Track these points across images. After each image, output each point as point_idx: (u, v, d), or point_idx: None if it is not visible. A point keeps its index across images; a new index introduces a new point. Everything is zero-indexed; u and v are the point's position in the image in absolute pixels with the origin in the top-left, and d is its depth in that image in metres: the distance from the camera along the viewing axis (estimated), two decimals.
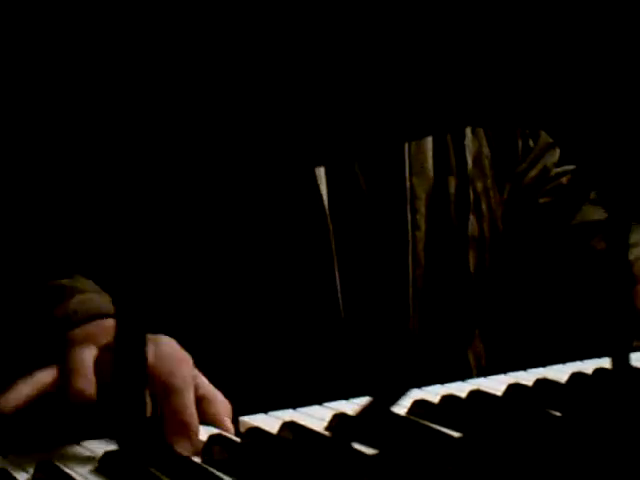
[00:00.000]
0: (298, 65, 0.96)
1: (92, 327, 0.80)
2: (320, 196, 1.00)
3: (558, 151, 1.29)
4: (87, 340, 0.77)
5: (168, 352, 0.75)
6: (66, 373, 0.73)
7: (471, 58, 0.58)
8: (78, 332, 0.79)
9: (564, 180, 1.25)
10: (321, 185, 1.00)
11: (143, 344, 0.57)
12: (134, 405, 0.59)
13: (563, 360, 0.99)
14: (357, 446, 0.70)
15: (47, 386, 0.74)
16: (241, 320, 0.98)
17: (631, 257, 1.16)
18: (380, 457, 0.70)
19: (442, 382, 0.91)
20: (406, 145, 1.07)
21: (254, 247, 0.98)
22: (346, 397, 0.85)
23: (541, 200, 1.24)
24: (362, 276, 1.04)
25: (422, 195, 1.08)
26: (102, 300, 0.85)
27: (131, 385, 0.58)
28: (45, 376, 0.74)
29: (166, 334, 0.79)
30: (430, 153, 1.10)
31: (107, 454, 0.68)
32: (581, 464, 0.66)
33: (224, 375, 0.88)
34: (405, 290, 1.05)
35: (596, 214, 1.23)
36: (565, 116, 0.61)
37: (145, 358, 0.59)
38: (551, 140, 1.29)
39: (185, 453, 0.71)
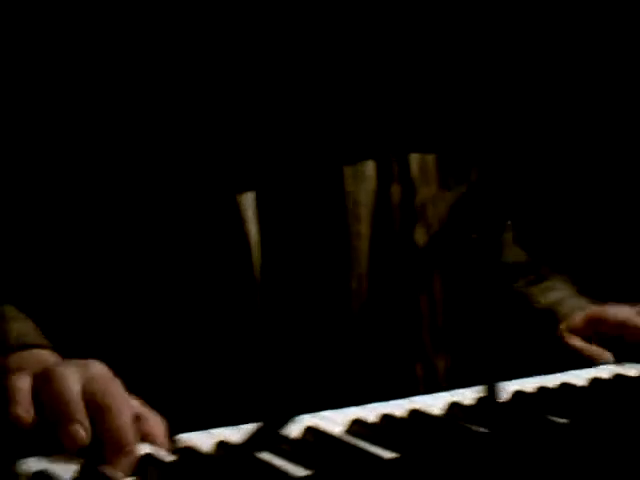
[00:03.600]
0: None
1: (26, 355, 0.82)
2: (239, 212, 0.96)
3: None
4: (21, 368, 0.78)
5: (98, 374, 0.75)
6: (6, 400, 0.74)
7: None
8: (12, 359, 0.81)
9: None
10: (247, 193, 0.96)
11: None
12: None
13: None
14: (289, 466, 0.71)
15: None
16: (159, 329, 0.97)
17: (550, 299, 1.20)
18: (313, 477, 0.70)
19: (388, 398, 0.90)
20: None
21: (175, 258, 0.96)
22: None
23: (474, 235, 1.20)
24: (294, 290, 1.00)
25: (364, 202, 1.03)
26: (29, 328, 0.87)
27: None
28: None
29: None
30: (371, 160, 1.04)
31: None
32: None
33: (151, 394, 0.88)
34: (347, 303, 1.03)
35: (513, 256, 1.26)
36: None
37: None
38: None
39: (123, 473, 0.70)
